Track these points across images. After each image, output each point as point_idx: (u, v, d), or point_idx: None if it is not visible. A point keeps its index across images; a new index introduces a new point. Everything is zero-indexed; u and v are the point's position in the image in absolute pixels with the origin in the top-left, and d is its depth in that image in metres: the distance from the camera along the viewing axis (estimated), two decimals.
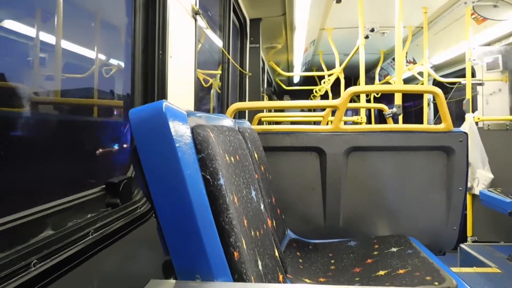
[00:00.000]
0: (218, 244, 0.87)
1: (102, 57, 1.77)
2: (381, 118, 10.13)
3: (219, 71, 3.43)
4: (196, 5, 1.97)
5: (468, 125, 3.80)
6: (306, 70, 8.71)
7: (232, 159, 1.15)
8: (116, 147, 1.75)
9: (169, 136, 0.82)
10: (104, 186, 1.29)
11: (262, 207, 1.37)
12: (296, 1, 3.86)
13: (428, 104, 6.03)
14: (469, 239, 3.87)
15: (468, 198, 3.86)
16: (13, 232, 0.88)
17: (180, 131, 0.85)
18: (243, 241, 0.95)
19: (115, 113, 1.87)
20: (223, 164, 0.98)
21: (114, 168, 1.67)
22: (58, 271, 0.93)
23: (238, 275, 0.88)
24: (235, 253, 0.89)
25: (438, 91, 2.09)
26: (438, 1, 4.59)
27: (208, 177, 0.90)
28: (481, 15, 4.16)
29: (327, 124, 3.20)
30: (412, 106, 8.72)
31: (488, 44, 4.61)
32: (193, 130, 0.91)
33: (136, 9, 1.57)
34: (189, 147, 0.86)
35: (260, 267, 1.06)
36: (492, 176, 3.71)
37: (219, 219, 0.89)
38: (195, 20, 1.97)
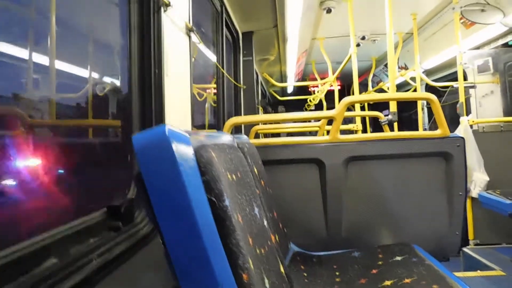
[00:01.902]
0: (227, 267, 0.86)
1: (96, 76, 1.77)
2: (376, 124, 10.18)
3: (214, 85, 3.44)
4: (190, 22, 1.98)
5: (463, 128, 3.82)
6: (299, 80, 8.75)
7: (234, 177, 1.14)
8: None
9: (173, 160, 0.81)
10: (105, 209, 1.28)
11: (265, 223, 1.37)
12: (287, 12, 3.89)
13: (422, 109, 6.06)
14: (471, 242, 3.86)
15: (467, 201, 3.87)
16: (13, 265, 0.87)
17: (184, 154, 0.84)
18: (250, 261, 0.94)
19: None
20: (226, 184, 0.98)
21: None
22: None
23: None
24: (243, 276, 0.88)
25: (433, 97, 2.10)
26: (426, 7, 4.65)
27: (214, 199, 0.89)
28: (469, 20, 4.21)
29: (324, 134, 3.21)
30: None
31: (478, 48, 4.66)
32: (196, 152, 0.91)
33: (131, 29, 1.58)
34: (193, 170, 0.86)
35: (267, 285, 1.05)
36: (487, 179, 3.72)
37: (227, 241, 0.88)
38: (189, 37, 1.98)
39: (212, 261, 0.82)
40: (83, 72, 1.72)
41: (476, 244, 3.83)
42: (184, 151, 0.84)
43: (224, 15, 3.31)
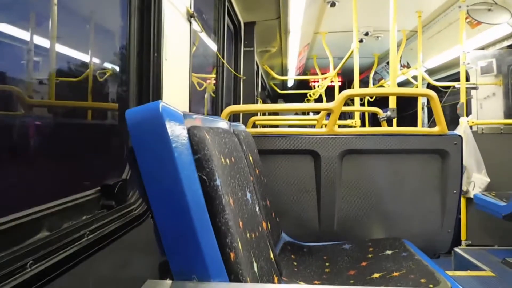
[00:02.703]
0: (215, 245, 0.87)
1: (96, 60, 1.76)
2: (375, 122, 10.16)
3: (213, 75, 3.43)
4: (191, 8, 1.97)
5: (463, 129, 3.82)
6: (300, 74, 8.74)
7: (228, 161, 1.15)
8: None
9: (165, 137, 0.82)
10: (99, 188, 1.29)
11: (257, 209, 1.37)
12: (290, 4, 3.87)
13: (422, 108, 6.06)
14: (463, 242, 3.87)
15: (463, 201, 3.87)
16: (9, 233, 0.88)
17: (177, 131, 0.85)
18: (239, 242, 0.95)
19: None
20: (219, 166, 0.98)
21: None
22: (54, 272, 0.92)
23: (234, 276, 0.88)
24: (231, 254, 0.89)
25: (433, 94, 2.10)
26: (432, 5, 4.62)
27: (205, 177, 0.89)
28: (475, 19, 4.19)
29: (322, 127, 3.20)
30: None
31: (482, 48, 4.64)
32: (189, 130, 0.91)
33: (131, 12, 1.57)
34: (185, 148, 0.86)
35: (255, 268, 1.06)
36: (488, 180, 3.72)
37: (216, 220, 0.89)
38: (190, 23, 1.97)
39: (200, 238, 0.83)
40: (82, 55, 1.72)
41: (468, 245, 3.85)
42: (177, 128, 0.85)
43: (226, 3, 3.30)
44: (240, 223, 1.06)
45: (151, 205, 0.84)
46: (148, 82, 1.58)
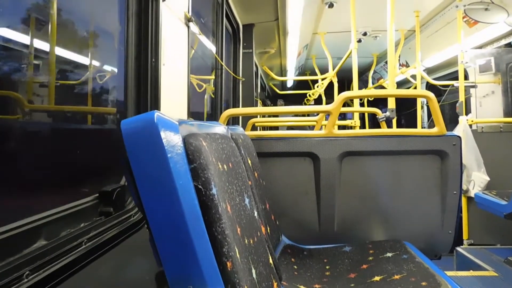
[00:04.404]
0: (211, 254, 0.87)
1: (95, 64, 1.76)
2: (374, 121, 10.15)
3: (213, 76, 3.43)
4: (188, 12, 1.97)
5: (462, 128, 3.81)
6: (299, 74, 8.73)
7: (225, 167, 1.15)
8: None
9: (161, 147, 0.82)
10: (97, 195, 1.29)
11: (255, 214, 1.37)
12: (288, 6, 3.88)
13: (422, 107, 6.06)
14: (465, 242, 3.86)
15: (464, 201, 3.86)
16: (4, 243, 0.87)
17: (172, 141, 0.85)
18: (236, 250, 0.95)
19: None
20: (215, 173, 0.98)
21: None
22: (51, 282, 0.92)
23: (231, 285, 0.88)
24: (228, 263, 0.88)
25: (431, 95, 2.09)
26: (430, 4, 4.62)
27: (200, 187, 0.89)
28: (472, 18, 4.19)
29: (321, 128, 3.20)
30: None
31: (480, 47, 4.64)
32: (185, 139, 0.91)
33: (129, 17, 1.57)
34: (181, 157, 0.86)
35: (254, 275, 1.06)
36: (488, 179, 3.70)
37: (212, 229, 0.89)
38: (188, 27, 1.97)
39: (196, 248, 0.82)
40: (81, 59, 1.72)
41: (470, 244, 3.83)
42: (172, 138, 0.85)
43: (225, 6, 3.30)
44: (238, 229, 1.05)
45: (147, 215, 0.84)
46: (146, 87, 1.58)
